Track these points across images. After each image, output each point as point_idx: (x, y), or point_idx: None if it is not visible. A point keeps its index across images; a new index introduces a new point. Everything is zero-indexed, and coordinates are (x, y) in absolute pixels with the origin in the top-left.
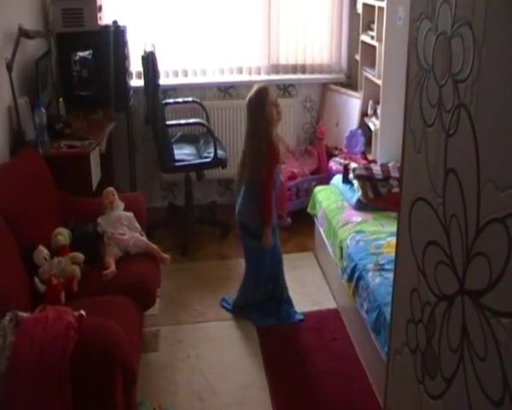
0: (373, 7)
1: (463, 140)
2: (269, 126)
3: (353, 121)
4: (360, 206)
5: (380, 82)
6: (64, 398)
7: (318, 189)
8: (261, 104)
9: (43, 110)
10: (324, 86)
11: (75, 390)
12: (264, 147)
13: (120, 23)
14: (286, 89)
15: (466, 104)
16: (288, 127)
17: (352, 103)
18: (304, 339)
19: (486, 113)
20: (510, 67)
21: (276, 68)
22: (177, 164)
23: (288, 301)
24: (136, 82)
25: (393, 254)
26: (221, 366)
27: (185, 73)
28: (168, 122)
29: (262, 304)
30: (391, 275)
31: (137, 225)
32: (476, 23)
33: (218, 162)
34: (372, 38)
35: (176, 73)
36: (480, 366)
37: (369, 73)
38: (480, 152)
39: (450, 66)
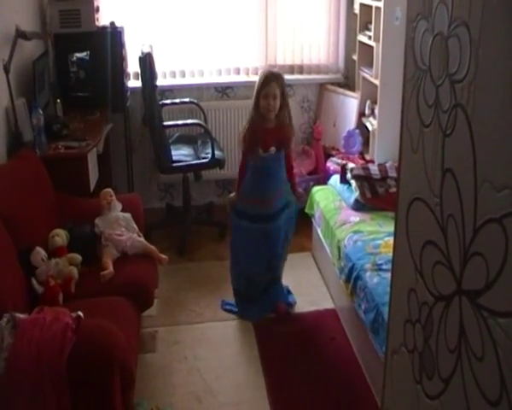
0: (370, 7)
1: (460, 140)
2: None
3: (351, 121)
4: (358, 206)
5: (377, 82)
6: (62, 399)
7: (316, 189)
8: (257, 87)
9: (41, 111)
10: (322, 86)
11: (73, 392)
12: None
13: (118, 24)
14: None
15: (463, 104)
16: None
17: (350, 103)
18: (301, 339)
19: (483, 113)
20: (507, 67)
21: (273, 69)
22: (175, 165)
23: (278, 285)
24: (134, 83)
25: (391, 254)
26: (218, 366)
27: (183, 74)
28: (165, 123)
29: (258, 300)
30: (389, 275)
31: (135, 225)
32: (473, 23)
33: (216, 163)
34: (369, 38)
35: (173, 74)
36: (477, 366)
37: (366, 73)
38: (477, 152)
39: (447, 66)
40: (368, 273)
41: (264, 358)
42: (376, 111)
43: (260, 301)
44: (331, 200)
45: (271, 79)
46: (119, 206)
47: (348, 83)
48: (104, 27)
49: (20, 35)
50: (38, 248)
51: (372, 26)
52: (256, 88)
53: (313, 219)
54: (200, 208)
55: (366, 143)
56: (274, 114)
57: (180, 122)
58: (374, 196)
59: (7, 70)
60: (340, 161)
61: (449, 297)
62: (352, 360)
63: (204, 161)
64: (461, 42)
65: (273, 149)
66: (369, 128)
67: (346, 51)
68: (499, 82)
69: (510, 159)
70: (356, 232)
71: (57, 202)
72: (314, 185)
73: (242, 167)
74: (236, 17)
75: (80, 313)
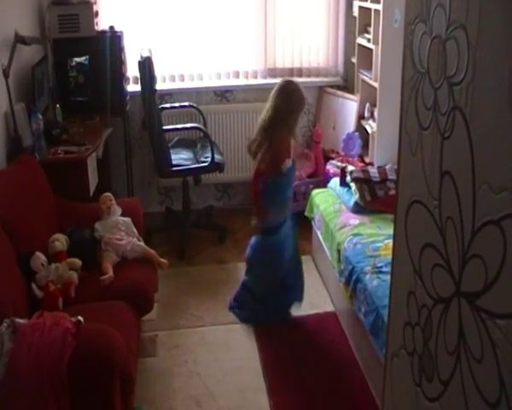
0: (369, 10)
1: (459, 143)
2: (297, 119)
3: (350, 124)
4: (357, 208)
5: (376, 85)
6: (62, 404)
7: (316, 192)
8: (302, 96)
9: (40, 116)
10: (321, 89)
11: (73, 396)
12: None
13: (117, 28)
14: None
15: (461, 107)
16: None
17: (349, 106)
18: (302, 342)
19: (481, 115)
20: (504, 70)
21: (272, 72)
22: (175, 169)
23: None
24: (133, 87)
25: (391, 257)
26: (219, 370)
27: (182, 78)
28: (165, 127)
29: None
30: (388, 277)
31: (135, 230)
32: (470, 26)
33: (216, 167)
34: (368, 40)
35: (172, 78)
36: (476, 367)
37: (365, 76)
38: (475, 154)
39: (445, 69)
40: (367, 276)
41: (265, 361)
42: (376, 114)
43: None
44: (331, 203)
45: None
46: (118, 210)
47: (347, 86)
48: (103, 32)
49: (20, 40)
50: (38, 253)
51: (371, 29)
52: (293, 105)
53: (313, 223)
54: (200, 212)
55: (365, 145)
56: None
57: (179, 126)
58: (373, 198)
59: (6, 75)
60: (339, 163)
61: (448, 299)
62: (352, 362)
63: (203, 164)
64: (459, 44)
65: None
66: (369, 131)
67: (346, 54)
68: (497, 84)
69: (508, 161)
70: (356, 235)
71: (57, 207)
72: (314, 188)
73: (261, 189)
74: (235, 20)
75: (80, 317)
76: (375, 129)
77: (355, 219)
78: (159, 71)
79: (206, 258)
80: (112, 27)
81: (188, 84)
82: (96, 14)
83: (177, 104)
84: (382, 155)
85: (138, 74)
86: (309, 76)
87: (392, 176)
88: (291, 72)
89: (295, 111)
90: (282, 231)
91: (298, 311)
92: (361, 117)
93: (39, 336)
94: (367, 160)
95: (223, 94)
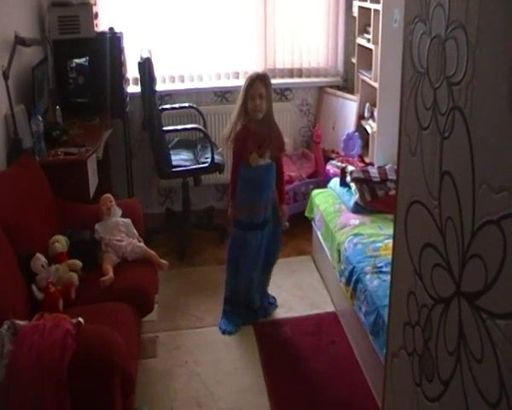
0: (369, 10)
1: (458, 143)
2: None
3: (350, 124)
4: (357, 209)
5: (376, 85)
6: (62, 406)
7: (316, 192)
8: (243, 89)
9: (40, 118)
10: (321, 90)
11: (73, 398)
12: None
13: (117, 30)
14: (282, 93)
15: (460, 107)
16: (285, 131)
17: (349, 106)
18: (302, 342)
19: (481, 115)
20: (504, 69)
21: (272, 72)
22: (175, 170)
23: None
24: (133, 88)
25: (391, 257)
26: (219, 370)
27: (182, 79)
28: (165, 128)
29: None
30: (389, 277)
31: (135, 231)
32: (470, 26)
33: (216, 167)
34: (368, 40)
35: (172, 79)
36: (476, 367)
37: (365, 76)
38: (475, 154)
39: (445, 68)
40: (368, 276)
41: (265, 362)
42: (375, 114)
43: (251, 311)
44: (331, 203)
45: (256, 79)
46: (118, 211)
47: (347, 86)
48: (103, 33)
49: (19, 41)
50: (38, 255)
51: (371, 29)
52: (242, 90)
53: (313, 223)
54: (200, 213)
55: (365, 145)
56: (261, 115)
57: (179, 127)
58: (373, 198)
59: (6, 76)
60: (339, 164)
61: (448, 299)
62: (352, 362)
63: (203, 165)
64: (458, 44)
65: (268, 154)
66: (369, 131)
67: (345, 54)
68: (496, 84)
69: (508, 161)
70: (356, 235)
71: (57, 209)
72: (314, 189)
73: (235, 173)
74: (235, 21)
75: (80, 319)
76: (375, 129)
77: (355, 220)
78: (158, 72)
79: (207, 259)
80: (112, 28)
81: (188, 84)
82: (96, 15)
83: (177, 105)
84: (382, 155)
85: (138, 75)
86: (309, 76)
87: (392, 176)
88: (291, 72)
89: (242, 96)
90: (252, 237)
91: (299, 311)
92: (361, 117)
93: (39, 337)
94: (367, 160)
95: (223, 94)
